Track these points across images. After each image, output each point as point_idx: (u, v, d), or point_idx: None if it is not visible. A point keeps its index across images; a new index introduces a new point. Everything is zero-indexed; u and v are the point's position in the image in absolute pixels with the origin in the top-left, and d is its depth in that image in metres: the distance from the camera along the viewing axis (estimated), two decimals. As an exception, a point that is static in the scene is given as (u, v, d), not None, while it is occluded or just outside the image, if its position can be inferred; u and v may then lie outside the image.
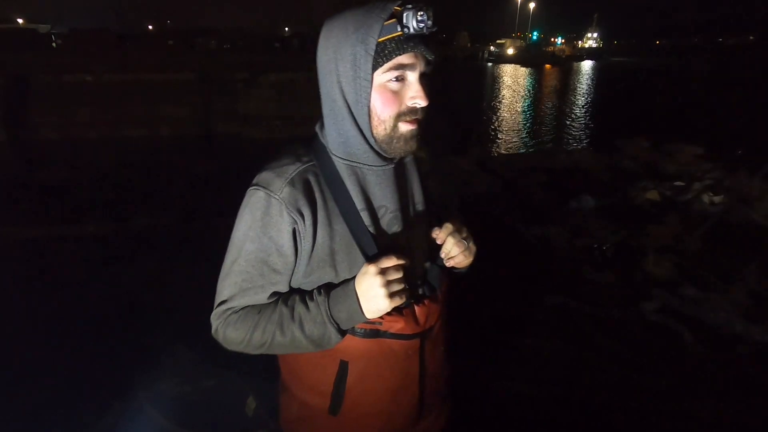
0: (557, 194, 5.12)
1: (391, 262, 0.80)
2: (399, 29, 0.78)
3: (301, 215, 0.83)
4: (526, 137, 15.56)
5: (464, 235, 0.90)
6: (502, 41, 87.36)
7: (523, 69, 53.44)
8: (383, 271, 0.80)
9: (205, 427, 1.80)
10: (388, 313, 0.85)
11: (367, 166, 0.88)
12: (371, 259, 0.83)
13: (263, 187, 0.84)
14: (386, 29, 0.78)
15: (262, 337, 0.85)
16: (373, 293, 0.80)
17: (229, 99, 12.93)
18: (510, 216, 4.46)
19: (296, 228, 0.84)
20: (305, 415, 0.98)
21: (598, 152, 7.11)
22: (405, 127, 0.83)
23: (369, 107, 0.82)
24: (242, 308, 0.88)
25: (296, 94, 12.66)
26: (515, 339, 2.65)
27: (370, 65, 0.79)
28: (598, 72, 51.57)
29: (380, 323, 0.87)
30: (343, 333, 0.85)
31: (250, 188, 0.86)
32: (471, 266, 0.98)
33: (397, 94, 0.82)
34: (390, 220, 0.90)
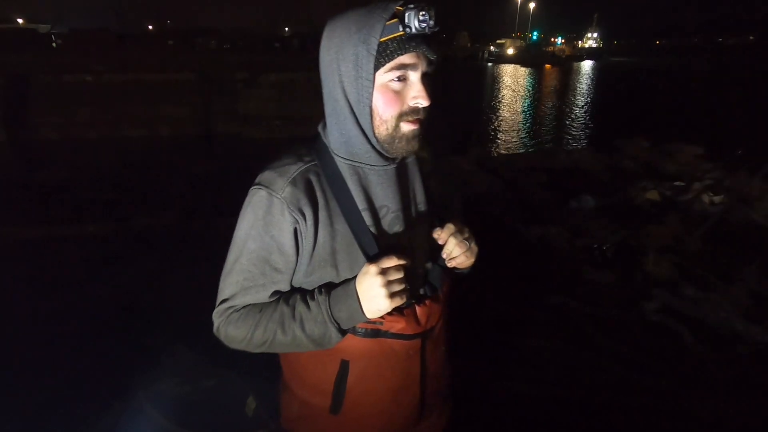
0: (557, 194, 5.12)
1: (391, 262, 0.80)
2: (401, 29, 0.78)
3: (303, 215, 0.83)
4: (526, 137, 15.56)
5: (466, 235, 0.90)
6: (502, 41, 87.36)
7: (523, 69, 53.44)
8: (384, 271, 0.80)
9: (205, 427, 1.80)
10: (389, 313, 0.85)
11: (369, 166, 0.88)
12: (372, 259, 0.83)
13: (265, 187, 0.85)
14: (388, 29, 0.78)
15: (263, 335, 0.86)
16: (374, 293, 0.80)
17: (229, 99, 12.93)
18: (510, 216, 4.46)
19: (297, 227, 0.84)
20: (306, 414, 0.98)
21: (598, 152, 7.10)
22: (407, 127, 0.83)
23: (371, 107, 0.82)
24: (244, 307, 0.88)
25: (296, 94, 12.67)
26: (515, 339, 2.65)
27: (372, 65, 0.79)
28: (598, 72, 51.57)
29: (381, 323, 0.87)
30: (343, 332, 0.85)
31: (253, 187, 0.87)
32: (473, 267, 0.97)
33: (399, 94, 0.82)
34: (391, 220, 0.90)
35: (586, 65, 65.40)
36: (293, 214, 0.83)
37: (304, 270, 0.88)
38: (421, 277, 0.94)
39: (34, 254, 4.01)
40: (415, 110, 0.83)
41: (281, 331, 0.85)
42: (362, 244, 0.86)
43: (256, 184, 0.86)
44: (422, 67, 0.81)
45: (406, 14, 0.77)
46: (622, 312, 2.93)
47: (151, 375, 2.06)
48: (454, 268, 0.94)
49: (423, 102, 0.82)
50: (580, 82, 38.30)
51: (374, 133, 0.84)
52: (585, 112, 21.27)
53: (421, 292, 0.94)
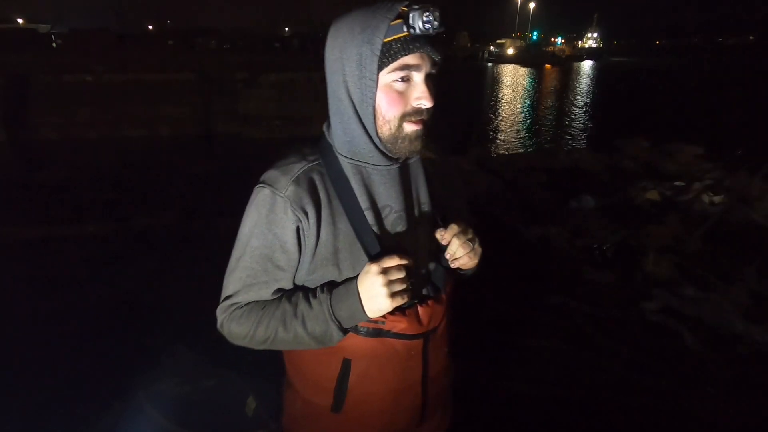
0: (557, 194, 5.12)
1: (393, 261, 0.80)
2: (405, 30, 0.78)
3: (305, 213, 0.84)
4: (526, 137, 15.56)
5: (470, 236, 0.89)
6: (502, 41, 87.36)
7: (523, 69, 53.44)
8: (385, 271, 0.80)
9: (205, 427, 1.80)
10: (391, 313, 0.85)
11: (372, 166, 0.88)
12: (374, 258, 0.83)
13: (269, 185, 0.85)
14: (392, 29, 0.78)
15: (265, 332, 0.86)
16: (375, 292, 0.80)
17: (229, 99, 12.91)
18: (510, 216, 4.46)
19: (300, 226, 0.85)
20: (308, 412, 0.99)
21: (598, 152, 7.11)
22: (410, 128, 0.84)
23: (374, 107, 0.82)
24: (247, 303, 0.89)
25: (296, 94, 12.65)
26: (515, 339, 2.65)
27: (375, 65, 0.79)
28: (598, 72, 51.56)
29: (383, 322, 0.87)
30: (345, 331, 0.86)
31: (257, 186, 0.87)
32: (476, 268, 0.97)
33: (402, 95, 0.82)
34: (394, 220, 0.90)
35: (586, 65, 65.39)
36: (296, 213, 0.84)
37: (307, 268, 0.88)
38: (424, 277, 0.94)
39: (34, 254, 4.01)
40: (418, 111, 0.83)
41: (283, 328, 0.85)
42: (364, 244, 0.86)
43: (261, 183, 0.87)
44: (426, 67, 0.81)
45: (411, 15, 0.77)
46: (622, 312, 2.94)
47: (151, 375, 2.06)
48: (458, 269, 0.94)
49: (426, 103, 0.82)
50: (580, 82, 38.29)
51: (377, 133, 0.85)
52: (585, 112, 21.26)
53: (424, 292, 0.94)
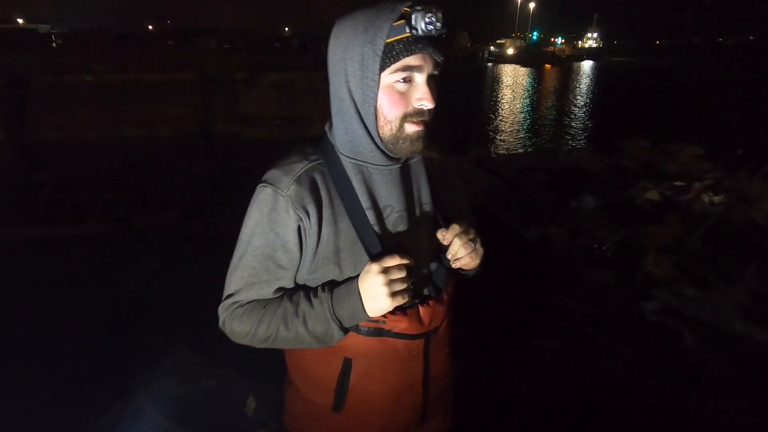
0: (557, 194, 5.12)
1: (394, 261, 0.80)
2: (408, 31, 0.78)
3: (307, 213, 0.84)
4: (526, 137, 15.56)
5: (471, 236, 0.89)
6: (502, 41, 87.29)
7: (523, 69, 53.44)
8: (386, 270, 0.80)
9: (205, 427, 1.80)
10: (392, 313, 0.85)
11: (374, 166, 0.88)
12: (375, 257, 0.83)
13: (271, 185, 0.86)
14: (395, 30, 0.78)
15: (266, 331, 0.87)
16: (375, 292, 0.80)
17: (229, 99, 12.91)
18: (510, 216, 4.46)
19: (301, 225, 0.85)
20: (309, 411, 0.99)
21: (598, 152, 7.11)
22: (411, 128, 0.84)
23: (376, 107, 0.83)
24: (248, 302, 0.90)
25: (296, 94, 12.66)
26: (515, 339, 2.65)
27: (377, 66, 0.79)
28: (598, 72, 51.56)
29: (384, 322, 0.87)
30: (345, 330, 0.86)
31: (259, 185, 0.88)
32: (478, 269, 0.97)
33: (404, 95, 0.82)
34: (395, 220, 0.90)
35: (586, 65, 65.40)
36: (297, 212, 0.84)
37: (308, 267, 0.88)
38: (425, 277, 0.94)
39: (34, 254, 4.01)
40: (419, 112, 0.83)
41: (284, 327, 0.86)
42: (365, 243, 0.87)
43: (263, 182, 0.87)
44: (428, 68, 0.81)
45: (413, 16, 0.77)
46: (622, 312, 2.93)
47: (151, 375, 2.06)
48: (460, 269, 0.94)
49: (428, 104, 0.82)
50: (580, 82, 38.30)
51: (378, 133, 0.85)
52: (585, 112, 21.27)
53: (426, 292, 0.94)
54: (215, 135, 12.77)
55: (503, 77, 42.13)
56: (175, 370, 2.09)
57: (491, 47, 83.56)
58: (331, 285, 0.87)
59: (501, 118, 19.38)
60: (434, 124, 0.87)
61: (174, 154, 10.20)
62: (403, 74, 0.80)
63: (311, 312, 0.85)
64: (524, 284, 3.23)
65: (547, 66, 60.06)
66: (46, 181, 7.14)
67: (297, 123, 12.13)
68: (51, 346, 2.56)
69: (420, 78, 0.82)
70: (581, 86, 34.79)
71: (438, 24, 0.77)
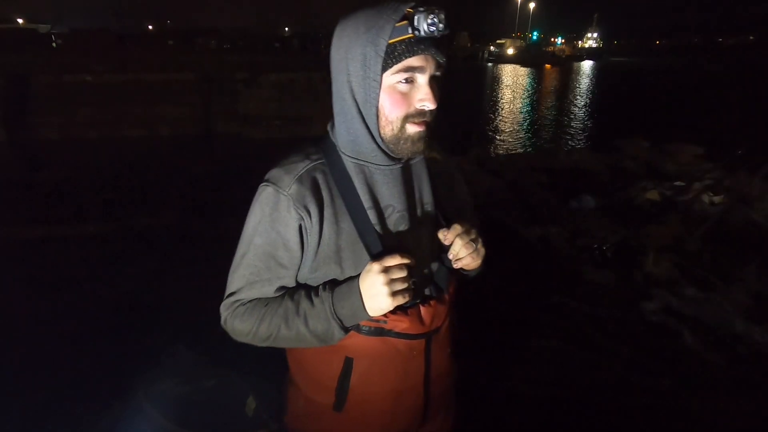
0: (557, 194, 5.13)
1: (394, 260, 0.80)
2: (410, 31, 0.78)
3: (308, 212, 0.84)
4: (526, 137, 15.56)
5: (473, 236, 0.89)
6: (502, 41, 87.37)
7: (523, 69, 53.44)
8: (386, 270, 0.80)
9: (205, 427, 1.80)
10: (393, 312, 0.85)
11: (375, 165, 0.88)
12: (375, 257, 0.84)
13: (273, 184, 0.86)
14: (397, 31, 0.78)
15: (267, 329, 0.87)
16: (375, 291, 0.80)
17: (229, 99, 12.91)
18: (510, 216, 4.46)
19: (303, 224, 0.85)
20: (310, 411, 0.99)
21: (598, 152, 7.11)
22: (413, 129, 0.84)
23: (377, 107, 0.83)
24: (250, 301, 0.90)
25: (296, 94, 12.66)
26: (515, 339, 2.65)
27: (379, 66, 0.79)
28: (598, 72, 51.57)
29: (385, 321, 0.87)
30: (346, 330, 0.86)
31: (261, 184, 0.88)
32: (480, 269, 0.97)
33: (405, 96, 0.82)
34: (397, 220, 0.90)
35: (586, 65, 65.41)
36: (299, 211, 0.84)
37: (309, 266, 0.89)
38: (426, 277, 0.94)
39: (34, 254, 4.01)
40: (421, 112, 0.83)
41: (285, 326, 0.86)
42: (366, 243, 0.87)
43: (265, 181, 0.88)
44: (430, 69, 0.81)
45: (416, 17, 0.77)
46: (622, 312, 2.93)
47: (151, 375, 2.06)
48: (461, 269, 0.94)
49: (429, 105, 0.82)
50: (580, 82, 38.30)
51: (380, 133, 0.85)
52: (585, 112, 21.27)
53: (427, 292, 0.94)
54: (215, 135, 12.77)
55: (503, 77, 42.13)
56: (175, 370, 2.09)
57: (491, 47, 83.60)
58: (332, 284, 0.87)
59: (501, 118, 19.38)
60: (436, 124, 0.87)
61: (174, 154, 10.20)
62: (405, 75, 0.80)
63: (312, 311, 0.85)
64: (524, 284, 3.23)
65: (547, 66, 60.07)
66: (46, 181, 7.14)
67: (297, 123, 12.13)
68: (51, 346, 2.56)
69: (422, 79, 0.81)
70: (581, 86, 34.79)
71: (440, 25, 0.77)
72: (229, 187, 6.13)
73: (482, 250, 0.92)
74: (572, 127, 17.47)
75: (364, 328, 0.88)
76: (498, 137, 15.26)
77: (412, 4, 0.78)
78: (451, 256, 0.89)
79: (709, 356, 2.53)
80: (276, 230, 0.86)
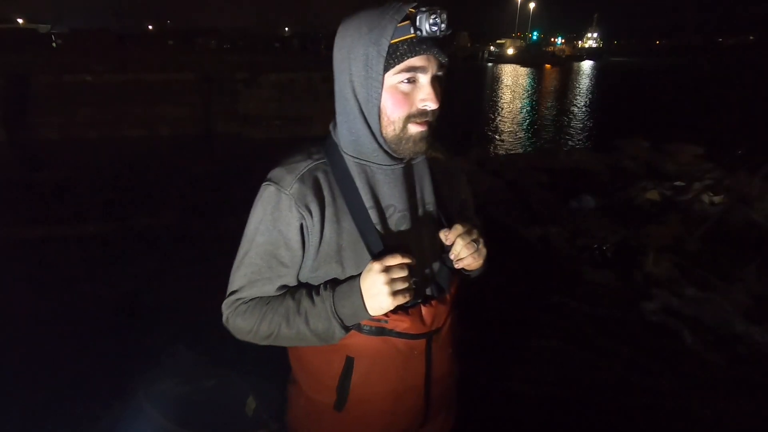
0: (557, 194, 5.13)
1: (395, 260, 0.81)
2: (412, 31, 0.78)
3: (309, 211, 0.85)
4: (526, 137, 15.56)
5: (474, 236, 0.89)
6: (502, 41, 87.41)
7: (523, 69, 53.44)
8: (387, 269, 0.80)
9: (205, 427, 1.80)
10: (394, 312, 0.85)
11: (377, 165, 0.89)
12: (376, 256, 0.84)
13: (275, 183, 0.86)
14: (399, 31, 0.78)
15: (268, 328, 0.87)
16: (376, 291, 0.80)
17: (229, 99, 12.91)
18: (510, 216, 4.46)
19: (304, 223, 0.85)
20: (311, 410, 0.99)
21: (598, 152, 7.11)
22: (415, 129, 0.84)
23: (379, 107, 0.83)
24: (252, 299, 0.90)
25: (296, 94, 12.65)
26: (515, 339, 2.65)
27: (381, 66, 0.79)
28: (598, 72, 51.56)
29: (386, 321, 0.87)
30: (347, 329, 0.86)
31: (263, 183, 0.89)
32: (482, 269, 0.97)
33: (408, 96, 0.82)
34: (398, 219, 0.90)
35: (586, 65, 65.41)
36: (300, 210, 0.85)
37: (310, 265, 0.89)
38: (427, 277, 0.94)
39: (34, 254, 4.01)
40: (423, 112, 0.83)
41: (286, 324, 0.86)
42: (367, 242, 0.87)
43: (267, 180, 0.88)
44: (432, 69, 0.81)
45: (418, 17, 0.78)
46: (622, 312, 2.93)
47: (151, 375, 2.06)
48: (463, 269, 0.94)
49: (431, 104, 0.82)
50: (580, 82, 38.30)
51: (382, 133, 0.85)
52: (585, 112, 21.27)
53: (428, 292, 0.94)
54: (215, 135, 12.77)
55: (503, 77, 42.13)
56: (175, 370, 2.09)
57: (491, 47, 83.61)
58: (333, 283, 0.87)
59: (501, 118, 19.38)
60: (438, 124, 0.87)
61: (174, 154, 10.20)
62: (407, 75, 0.81)
63: (313, 310, 0.85)
64: (524, 284, 3.23)
65: (547, 66, 60.05)
66: (46, 181, 7.13)
67: (297, 123, 12.13)
68: (51, 346, 2.56)
69: (424, 79, 0.82)
70: (581, 86, 34.79)
71: (443, 25, 0.78)
72: (229, 187, 6.13)
73: (484, 251, 0.92)
74: (572, 127, 17.46)
75: (365, 327, 0.88)
76: (498, 137, 15.26)
77: (414, 4, 0.79)
78: (452, 257, 0.89)
79: (709, 356, 2.53)
80: (277, 229, 0.86)
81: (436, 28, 0.77)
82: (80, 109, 12.09)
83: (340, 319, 0.84)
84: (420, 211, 0.94)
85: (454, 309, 0.98)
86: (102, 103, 12.16)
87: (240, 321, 0.90)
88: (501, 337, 2.64)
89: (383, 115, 0.83)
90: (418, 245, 0.91)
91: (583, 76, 45.25)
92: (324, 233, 0.86)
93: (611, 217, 4.34)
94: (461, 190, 1.06)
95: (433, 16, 0.77)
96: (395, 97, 0.82)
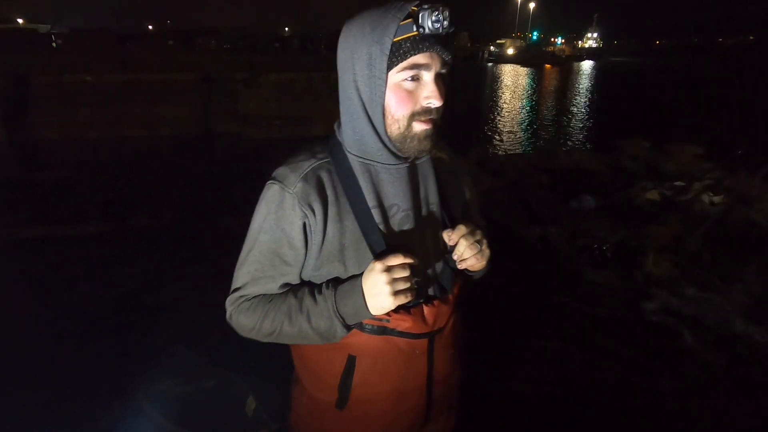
0: (557, 194, 5.12)
1: (397, 260, 0.81)
2: (415, 29, 0.78)
3: (312, 210, 0.85)
4: (526, 137, 15.55)
5: (478, 237, 0.89)
6: (502, 41, 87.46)
7: (523, 69, 53.44)
8: (389, 269, 0.80)
9: (205, 427, 1.80)
10: (396, 311, 0.85)
11: (381, 164, 0.89)
12: (379, 256, 0.84)
13: (279, 182, 0.87)
14: (402, 29, 0.78)
15: (271, 325, 0.88)
16: (377, 290, 0.80)
17: (229, 99, 12.90)
18: (510, 216, 4.46)
19: (307, 222, 0.86)
20: (313, 408, 1.00)
21: (598, 152, 7.12)
22: (419, 127, 0.84)
23: (383, 106, 0.83)
24: (255, 296, 0.91)
25: (296, 94, 12.64)
26: (515, 339, 2.65)
27: (384, 64, 0.80)
28: (598, 72, 51.56)
29: (388, 320, 0.88)
30: (349, 327, 0.86)
31: (268, 182, 0.89)
32: (486, 270, 0.97)
33: (411, 94, 0.82)
34: (401, 219, 0.90)
35: (586, 65, 65.41)
36: (303, 209, 0.85)
37: (313, 264, 0.89)
38: (430, 277, 0.94)
39: (34, 254, 4.01)
40: (427, 110, 0.83)
41: (288, 322, 0.86)
42: (370, 241, 0.87)
43: (271, 179, 0.89)
44: (436, 67, 0.81)
45: (420, 14, 0.78)
46: (622, 312, 2.93)
47: (151, 375, 2.06)
48: (466, 270, 0.94)
49: (435, 102, 0.82)
50: (580, 82, 38.29)
51: (386, 132, 0.85)
52: (585, 112, 21.27)
53: (431, 292, 0.94)
54: (215, 135, 12.76)
55: (503, 77, 42.13)
56: (175, 370, 2.09)
57: (491, 47, 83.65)
58: (336, 282, 0.87)
59: (501, 118, 19.37)
60: (442, 122, 0.87)
61: (174, 154, 10.19)
62: (411, 72, 0.81)
63: (315, 308, 0.85)
64: (524, 284, 3.23)
65: (547, 66, 60.06)
66: (46, 181, 7.12)
67: (297, 123, 12.11)
68: (51, 346, 2.56)
69: (428, 76, 0.82)
70: (581, 86, 34.78)
71: (445, 22, 0.78)
72: (229, 187, 6.13)
73: (487, 252, 0.92)
74: (572, 127, 17.46)
75: (367, 326, 0.88)
76: (498, 137, 15.25)
77: (417, 2, 0.79)
78: (455, 257, 0.89)
79: (709, 356, 2.53)
80: (281, 228, 0.87)
81: (438, 25, 0.78)
82: (80, 109, 12.08)
83: (341, 317, 0.84)
84: (424, 211, 0.94)
85: (457, 309, 0.98)
86: (102, 103, 12.15)
87: (243, 318, 0.90)
88: (501, 337, 2.64)
89: (387, 114, 0.84)
90: (421, 245, 0.92)
91: (583, 76, 45.24)
92: (327, 232, 0.86)
93: (611, 217, 4.34)
94: (466, 191, 1.06)
95: (435, 13, 0.77)
96: (399, 95, 0.82)
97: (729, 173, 5.08)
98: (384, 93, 0.82)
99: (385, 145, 0.87)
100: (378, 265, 0.81)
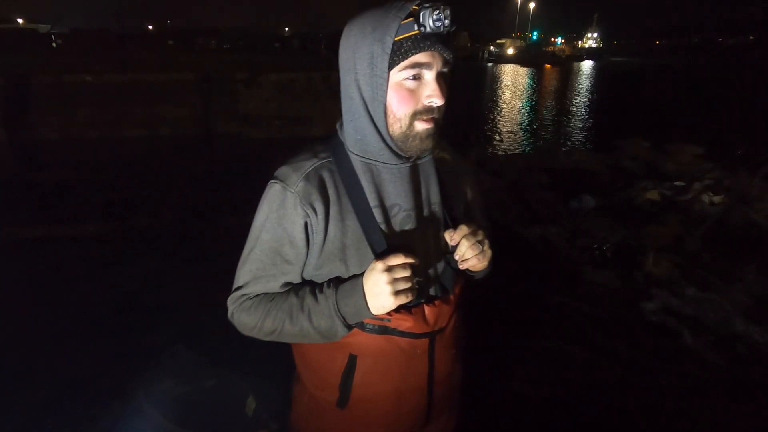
0: (557, 194, 5.12)
1: (398, 260, 0.81)
2: (416, 28, 0.78)
3: (314, 209, 0.85)
4: (526, 137, 15.55)
5: (479, 237, 0.89)
6: (502, 41, 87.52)
7: (523, 69, 53.43)
8: (390, 269, 0.80)
9: (205, 427, 1.80)
10: (397, 311, 0.85)
11: (382, 164, 0.89)
12: (380, 255, 0.84)
13: (281, 181, 0.87)
14: (403, 28, 0.78)
15: (272, 324, 0.88)
16: (378, 290, 0.81)
17: (229, 99, 12.89)
18: (510, 216, 4.46)
19: (308, 221, 0.86)
20: (314, 407, 1.00)
21: (598, 152, 7.12)
22: (421, 126, 0.84)
23: (385, 105, 0.83)
24: (256, 295, 0.91)
25: (296, 94, 12.63)
26: (515, 339, 2.65)
27: (386, 63, 0.80)
28: (598, 72, 51.55)
29: (389, 320, 0.88)
30: (349, 327, 0.86)
31: (270, 181, 0.90)
32: (488, 270, 0.97)
33: (413, 93, 0.82)
34: (403, 219, 0.90)
35: (586, 65, 65.40)
36: (305, 209, 0.85)
37: (314, 263, 0.89)
38: (431, 277, 0.94)
39: (34, 254, 4.01)
40: (429, 109, 0.83)
41: (289, 321, 0.87)
42: (371, 241, 0.87)
43: (273, 178, 0.89)
44: (437, 66, 0.82)
45: (422, 13, 0.78)
46: (622, 312, 2.93)
47: (151, 375, 2.06)
48: (467, 270, 0.94)
49: (437, 101, 0.82)
50: (580, 82, 38.29)
51: (388, 131, 0.85)
52: (585, 112, 21.26)
53: (432, 292, 0.94)
54: (215, 135, 12.76)
55: (503, 77, 42.12)
56: (175, 370, 2.09)
57: (491, 47, 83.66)
58: (337, 281, 0.88)
59: (501, 118, 19.37)
60: (444, 121, 0.87)
61: (174, 154, 10.19)
62: (412, 71, 0.81)
63: (316, 307, 0.86)
64: (524, 284, 3.23)
65: (547, 66, 60.06)
66: (46, 181, 7.12)
67: (297, 123, 12.11)
68: (51, 346, 2.56)
69: (429, 75, 0.82)
70: (581, 86, 34.78)
71: (446, 21, 0.78)
72: (229, 187, 6.13)
73: (489, 252, 0.91)
74: (572, 127, 17.45)
75: (368, 326, 0.88)
76: (498, 137, 15.25)
77: (418, 1, 0.79)
78: (456, 257, 0.89)
79: (709, 356, 2.53)
80: (282, 227, 0.87)
81: (440, 24, 0.78)
82: (80, 109, 12.08)
83: (342, 317, 0.84)
84: (425, 211, 0.94)
85: (458, 310, 0.98)
86: (102, 103, 12.15)
87: (245, 316, 0.90)
88: (501, 337, 2.64)
89: (389, 113, 0.84)
90: (422, 245, 0.92)
91: (583, 76, 45.24)
92: (328, 232, 0.86)
93: (611, 217, 4.34)
94: (468, 191, 1.06)
95: (436, 12, 0.77)
96: (400, 94, 0.82)
97: (729, 173, 5.07)
98: (386, 92, 0.82)
99: (387, 145, 0.87)
100: (379, 265, 0.81)
